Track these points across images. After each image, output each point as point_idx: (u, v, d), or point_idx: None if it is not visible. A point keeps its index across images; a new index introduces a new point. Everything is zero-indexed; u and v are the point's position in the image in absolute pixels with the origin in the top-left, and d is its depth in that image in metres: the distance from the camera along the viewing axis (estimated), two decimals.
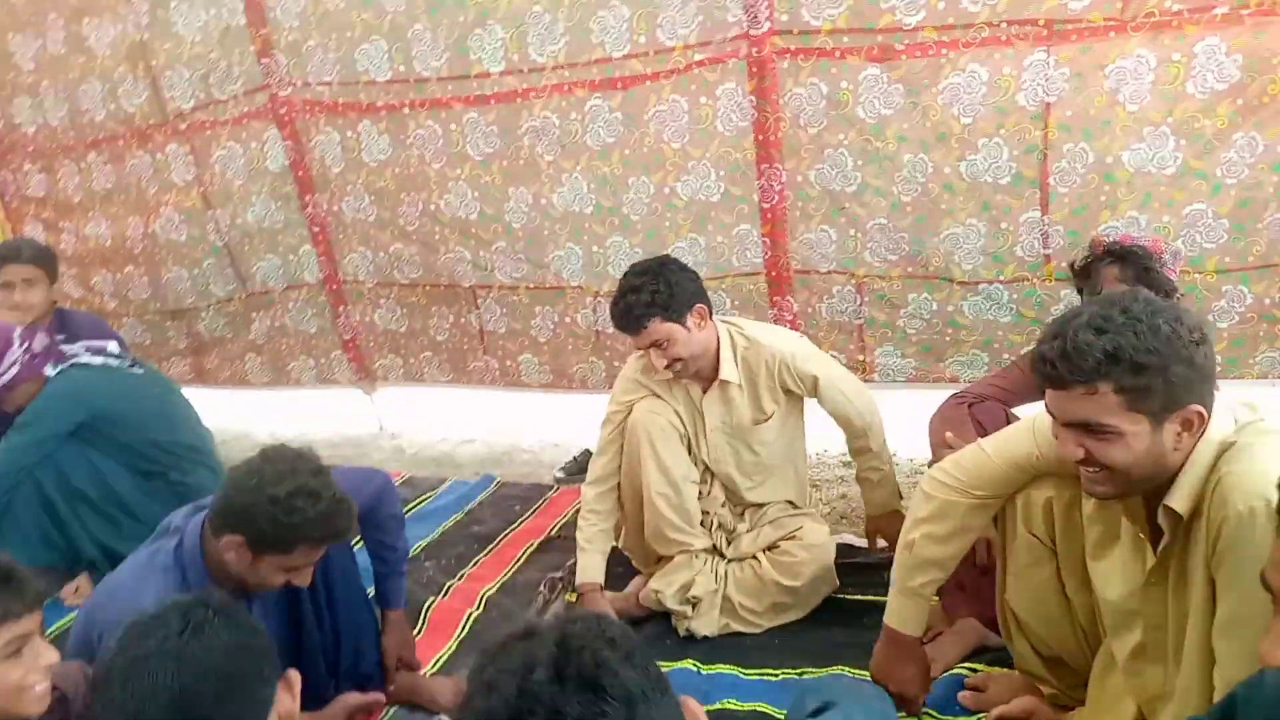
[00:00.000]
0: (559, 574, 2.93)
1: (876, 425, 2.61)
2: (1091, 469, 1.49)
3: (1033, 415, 1.81)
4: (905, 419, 3.44)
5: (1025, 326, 3.03)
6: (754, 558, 2.57)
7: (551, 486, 3.61)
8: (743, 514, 2.68)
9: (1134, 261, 2.20)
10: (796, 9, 2.86)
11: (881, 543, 2.67)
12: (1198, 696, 1.51)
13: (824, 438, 3.19)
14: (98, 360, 2.90)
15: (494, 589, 2.91)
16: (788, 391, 2.58)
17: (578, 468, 3.66)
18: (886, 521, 2.64)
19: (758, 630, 2.53)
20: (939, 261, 3.03)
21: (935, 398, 3.26)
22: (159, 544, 1.91)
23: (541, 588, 2.87)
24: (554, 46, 3.22)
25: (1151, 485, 1.50)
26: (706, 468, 2.63)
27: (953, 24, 2.71)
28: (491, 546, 3.19)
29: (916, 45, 2.77)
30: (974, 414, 2.39)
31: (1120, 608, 1.68)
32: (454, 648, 2.64)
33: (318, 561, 1.90)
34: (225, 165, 4.03)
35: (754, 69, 2.97)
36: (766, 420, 2.59)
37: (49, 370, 2.78)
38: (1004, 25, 2.67)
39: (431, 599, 2.82)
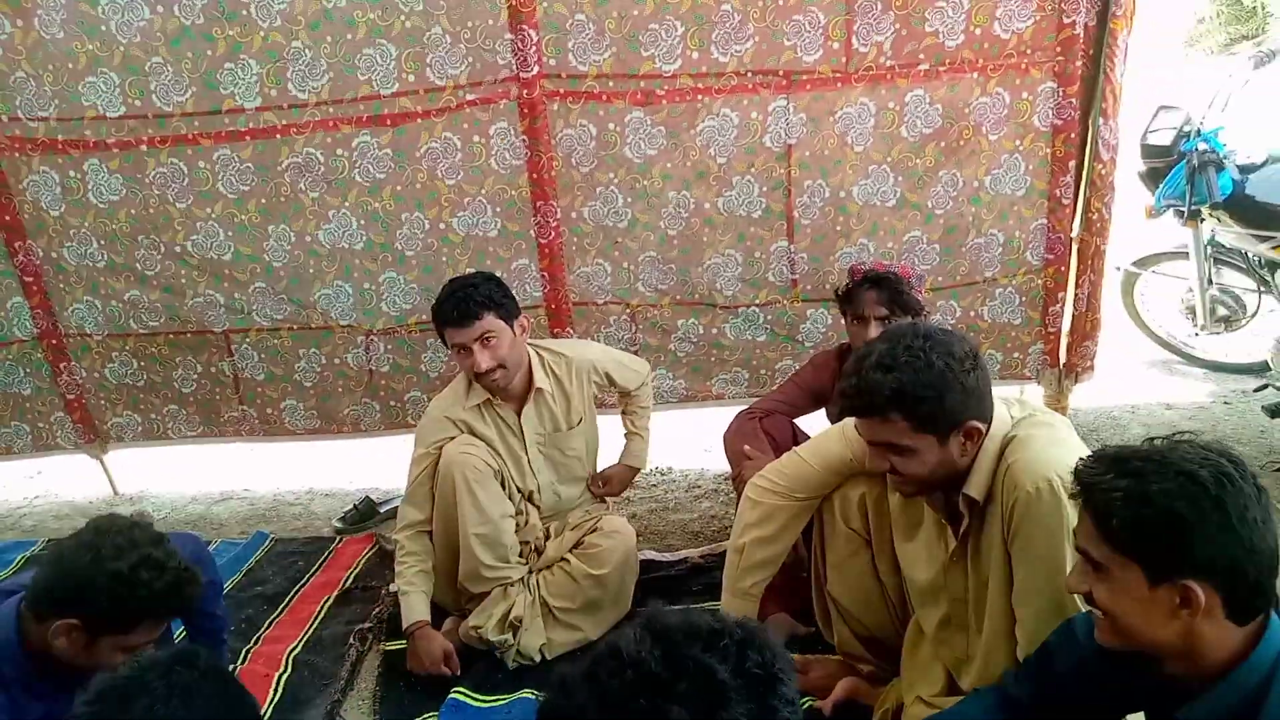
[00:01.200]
0: (366, 625, 2.87)
1: (649, 388, 3.01)
2: (896, 476, 1.78)
3: (841, 424, 2.09)
4: (680, 436, 3.73)
5: (779, 344, 3.40)
6: (563, 559, 2.68)
7: (333, 538, 3.49)
8: (548, 531, 2.79)
9: (888, 286, 2.59)
10: (564, 54, 3.04)
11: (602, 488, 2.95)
12: (1002, 654, 1.81)
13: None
14: None
15: (299, 648, 2.80)
16: (590, 394, 2.81)
17: (359, 516, 3.57)
18: (625, 472, 2.99)
19: (582, 639, 2.62)
20: (703, 289, 3.32)
21: (704, 416, 3.58)
22: None
23: (352, 640, 2.79)
24: (316, 83, 3.16)
25: (948, 483, 1.80)
26: (524, 495, 2.71)
27: (706, 72, 3.02)
28: (283, 606, 3.05)
29: (675, 91, 3.05)
30: (764, 427, 2.68)
31: (927, 585, 1.97)
32: (269, 714, 2.52)
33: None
34: None
35: (525, 110, 3.11)
36: (579, 424, 2.75)
37: None
38: (750, 74, 3.02)
39: (231, 667, 2.66)
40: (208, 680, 1.22)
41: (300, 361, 3.61)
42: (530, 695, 2.46)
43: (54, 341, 3.70)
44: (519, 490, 2.70)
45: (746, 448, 2.60)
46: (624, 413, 3.00)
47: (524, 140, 3.15)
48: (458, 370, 3.47)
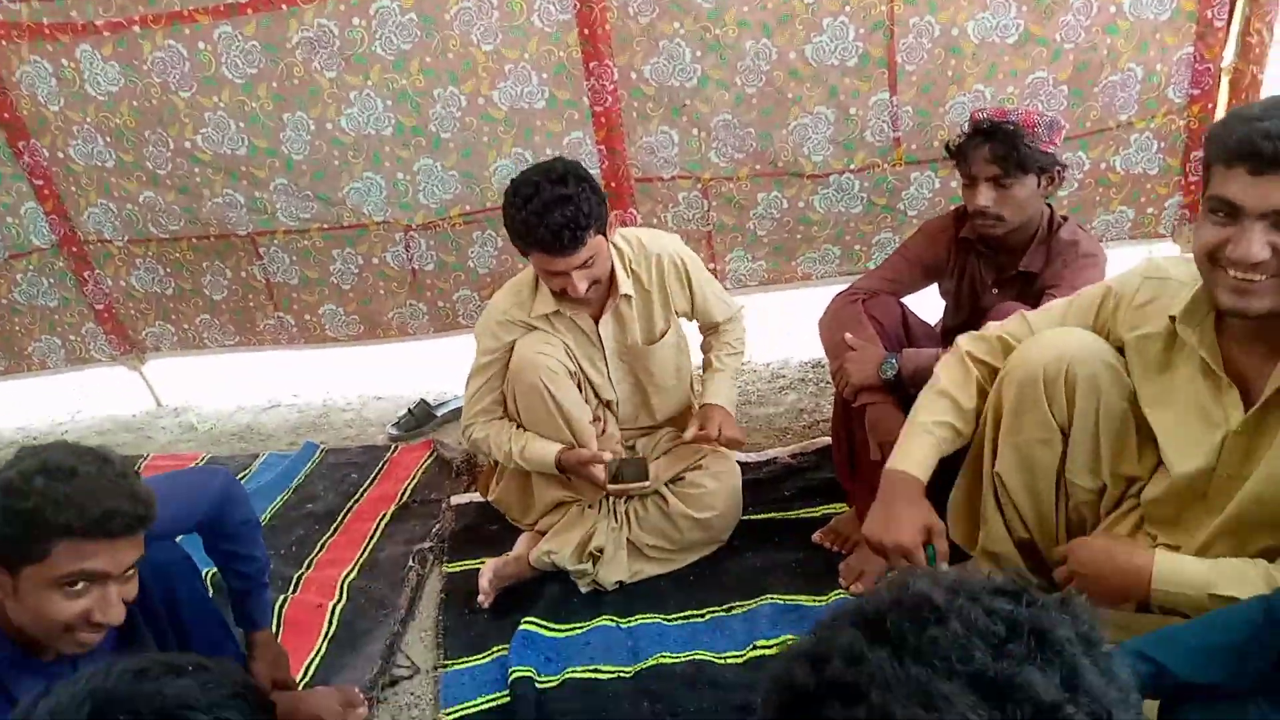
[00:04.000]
0: (427, 544, 2.62)
1: (741, 327, 2.54)
2: (1260, 277, 1.34)
3: (1106, 282, 1.68)
4: (759, 323, 3.35)
5: (876, 215, 2.95)
6: (656, 494, 2.36)
7: (388, 446, 3.23)
8: (633, 446, 2.46)
9: (1002, 139, 2.09)
10: None
11: (692, 432, 2.37)
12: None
13: None
14: None
15: (353, 573, 2.56)
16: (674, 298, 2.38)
17: (415, 422, 3.30)
18: (720, 412, 2.40)
19: (672, 568, 2.34)
20: (788, 156, 2.86)
21: (787, 298, 3.20)
22: None
23: (411, 562, 2.55)
24: None
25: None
26: (602, 403, 2.38)
27: None
28: (336, 525, 2.81)
29: None
30: (868, 310, 2.26)
31: (1192, 471, 1.54)
32: (323, 649, 2.29)
33: (127, 575, 1.42)
34: None
35: None
36: (660, 339, 2.37)
37: None
38: None
39: (282, 597, 2.44)
40: None
41: (335, 263, 3.27)
42: (609, 622, 2.20)
43: (74, 249, 3.42)
44: (596, 398, 2.37)
45: (848, 335, 2.20)
46: (703, 349, 2.54)
47: None
48: (511, 266, 3.15)
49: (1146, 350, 1.60)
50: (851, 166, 2.86)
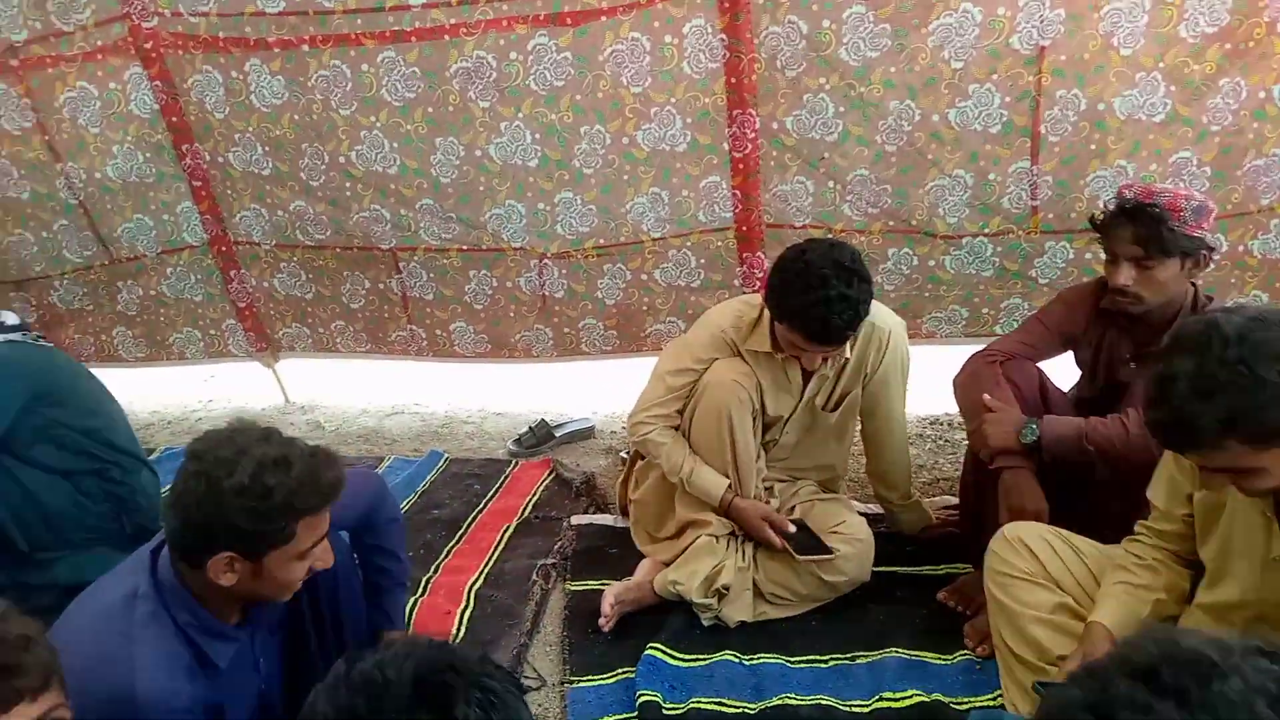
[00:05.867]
0: (550, 560, 2.73)
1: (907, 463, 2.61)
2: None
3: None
4: None
5: (1007, 280, 2.99)
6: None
7: (508, 461, 3.36)
8: (772, 489, 2.53)
9: (1147, 221, 2.09)
10: None
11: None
12: None
13: None
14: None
15: (479, 581, 2.67)
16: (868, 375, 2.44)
17: (535, 440, 3.42)
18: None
19: (792, 613, 2.41)
20: (922, 215, 2.93)
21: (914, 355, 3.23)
22: (123, 596, 1.52)
23: (535, 576, 2.66)
24: None
25: None
26: (761, 441, 2.48)
27: None
28: (461, 533, 2.93)
29: None
30: (1006, 372, 2.30)
31: (1236, 594, 1.66)
32: None
33: (329, 533, 1.61)
34: (76, 109, 3.40)
35: (725, 5, 2.73)
36: (840, 406, 2.46)
37: None
38: None
39: (411, 599, 2.55)
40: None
41: (470, 283, 3.42)
42: (733, 658, 2.26)
43: (224, 248, 3.63)
44: (761, 436, 2.46)
45: (987, 397, 2.23)
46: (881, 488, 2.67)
47: (723, 40, 2.78)
48: (638, 300, 3.27)
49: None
50: (986, 230, 2.91)
